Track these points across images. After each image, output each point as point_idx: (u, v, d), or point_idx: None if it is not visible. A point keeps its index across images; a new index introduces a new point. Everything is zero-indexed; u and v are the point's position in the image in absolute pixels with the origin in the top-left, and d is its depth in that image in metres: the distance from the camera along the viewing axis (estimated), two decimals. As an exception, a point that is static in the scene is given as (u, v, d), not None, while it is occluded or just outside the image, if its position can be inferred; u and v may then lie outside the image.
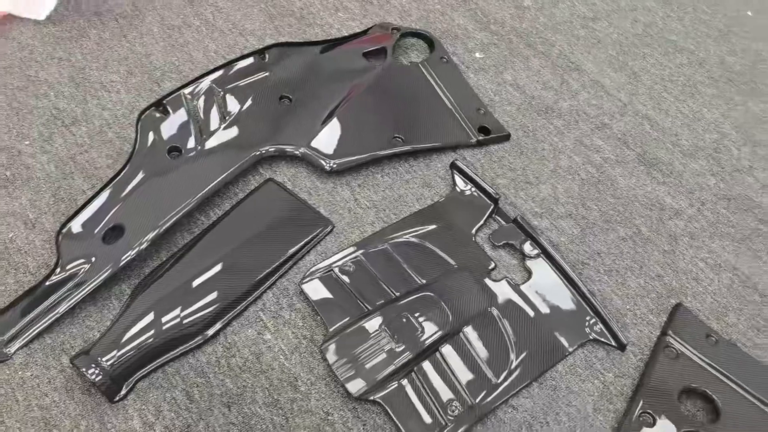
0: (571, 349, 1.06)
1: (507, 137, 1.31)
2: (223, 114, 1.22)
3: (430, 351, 1.02)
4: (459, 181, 1.23)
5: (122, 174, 1.12)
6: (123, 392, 0.97)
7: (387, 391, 0.99)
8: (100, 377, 0.95)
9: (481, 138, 1.29)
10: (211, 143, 1.20)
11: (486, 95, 1.38)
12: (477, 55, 1.45)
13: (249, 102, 1.25)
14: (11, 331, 1.00)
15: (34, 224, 1.12)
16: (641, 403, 0.99)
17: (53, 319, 1.01)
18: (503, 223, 1.19)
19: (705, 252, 1.19)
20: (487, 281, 1.11)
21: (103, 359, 0.96)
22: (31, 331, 1.01)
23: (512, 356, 1.04)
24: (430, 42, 1.43)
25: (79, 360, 0.95)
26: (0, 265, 1.07)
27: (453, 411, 0.97)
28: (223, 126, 1.22)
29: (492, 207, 1.19)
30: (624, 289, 1.13)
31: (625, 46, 1.51)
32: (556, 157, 1.30)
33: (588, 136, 1.34)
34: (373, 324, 1.03)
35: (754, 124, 1.39)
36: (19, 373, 0.98)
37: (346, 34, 1.41)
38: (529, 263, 1.14)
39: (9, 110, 1.24)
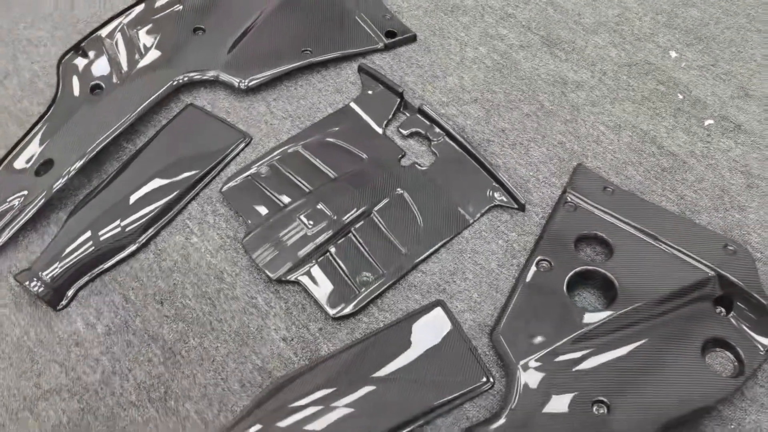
0: (475, 217, 1.13)
1: (413, 38, 1.37)
2: (140, 49, 1.30)
3: (344, 233, 1.10)
4: (367, 82, 1.29)
5: (48, 114, 1.21)
6: (65, 301, 1.07)
7: (304, 271, 1.07)
8: (42, 289, 1.05)
9: (387, 42, 1.35)
10: (130, 78, 1.28)
11: (394, 2, 1.43)
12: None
13: (163, 35, 1.32)
14: (-39, 261, 1.10)
15: (-23, 170, 1.21)
16: (539, 252, 1.06)
17: (-2, 243, 1.11)
18: (409, 115, 1.25)
19: (606, 116, 1.24)
20: (396, 168, 1.18)
21: (44, 273, 1.06)
22: (-21, 259, 1.11)
23: (420, 229, 1.11)
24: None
25: (21, 276, 1.05)
26: (-51, 209, 1.17)
27: (365, 280, 1.06)
28: (140, 60, 1.30)
29: (398, 101, 1.25)
30: (527, 158, 1.20)
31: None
32: (462, 50, 1.36)
33: (493, 26, 1.39)
34: (289, 215, 1.12)
35: (655, -6, 1.43)
36: (-28, 296, 1.08)
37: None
38: (434, 147, 1.21)
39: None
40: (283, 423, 0.92)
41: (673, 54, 1.32)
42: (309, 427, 0.92)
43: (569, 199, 1.12)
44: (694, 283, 1.00)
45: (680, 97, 1.26)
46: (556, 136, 1.22)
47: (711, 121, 1.22)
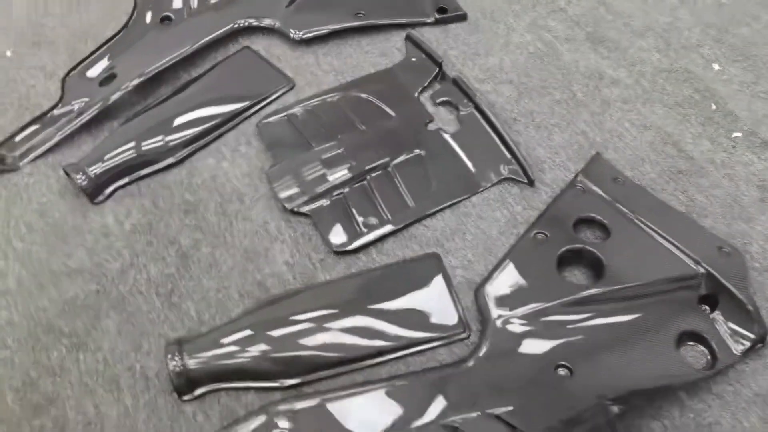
0: (486, 186, 1.18)
1: (464, 17, 1.44)
2: (210, -10, 1.42)
3: (359, 179, 1.18)
4: (411, 50, 1.37)
5: (120, 35, 1.35)
6: (102, 197, 1.19)
7: (316, 206, 1.15)
8: (85, 182, 1.17)
9: (438, 17, 1.42)
10: (197, 14, 1.40)
11: (452, -17, 1.50)
12: (451, -49, 1.57)
13: (234, -18, 1.44)
14: (22, 148, 1.24)
15: (51, 75, 1.36)
16: (539, 225, 1.11)
17: (55, 141, 1.24)
18: (443, 86, 1.32)
19: (634, 114, 1.27)
20: (422, 130, 1.25)
21: (90, 169, 1.18)
22: (38, 149, 1.25)
23: (431, 188, 1.17)
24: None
25: (70, 167, 1.18)
26: (21, 104, 1.32)
27: (370, 223, 1.13)
28: (209, 1, 1.41)
29: (437, 71, 1.32)
30: (548, 142, 1.24)
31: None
32: (509, 35, 1.41)
33: (543, 18, 1.44)
34: (313, 155, 1.20)
35: (710, 8, 1.44)
36: (25, 179, 1.22)
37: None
38: (461, 117, 1.27)
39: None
40: (272, 332, 1.00)
41: (716, 66, 1.33)
42: (296, 339, 1.00)
43: (579, 183, 1.16)
44: (682, 276, 1.02)
45: (713, 107, 1.27)
46: (581, 125, 1.26)
47: (739, 134, 1.23)
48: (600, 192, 1.14)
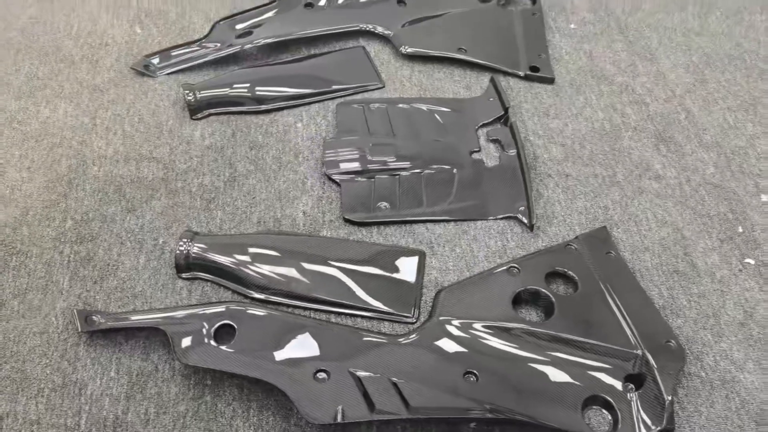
0: (495, 216, 1.31)
1: (551, 80, 1.58)
2: (351, -7, 1.70)
3: (392, 171, 1.37)
4: (490, 91, 1.54)
5: (267, 6, 1.66)
6: (200, 115, 1.48)
7: (348, 179, 1.36)
8: (192, 99, 1.47)
9: (528, 73, 1.58)
10: (334, 9, 1.68)
11: (558, 52, 1.65)
12: (572, 26, 1.73)
13: (374, -5, 1.71)
14: (166, 62, 1.58)
15: (209, 19, 1.70)
16: (518, 261, 1.22)
17: (189, 65, 1.57)
18: (501, 127, 1.47)
19: (660, 209, 1.34)
20: (465, 155, 1.42)
21: (200, 93, 1.48)
22: (175, 67, 1.58)
23: (449, 199, 1.33)
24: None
25: (185, 85, 1.49)
26: (180, 32, 1.67)
27: (381, 207, 1.31)
28: (348, 1, 1.69)
29: (502, 114, 1.48)
30: (569, 204, 1.35)
31: (712, 58, 1.66)
32: (584, 108, 1.53)
33: (623, 104, 1.54)
34: (364, 139, 1.42)
35: (789, 147, 1.46)
36: (156, 85, 1.56)
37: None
38: (503, 157, 1.41)
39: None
40: (262, 252, 1.21)
41: (764, 198, 1.36)
42: (276, 266, 1.20)
43: (574, 243, 1.25)
44: (619, 349, 1.09)
45: (740, 230, 1.30)
46: (607, 201, 1.35)
47: (751, 261, 1.26)
48: (588, 256, 1.23)
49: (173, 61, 1.59)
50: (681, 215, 1.33)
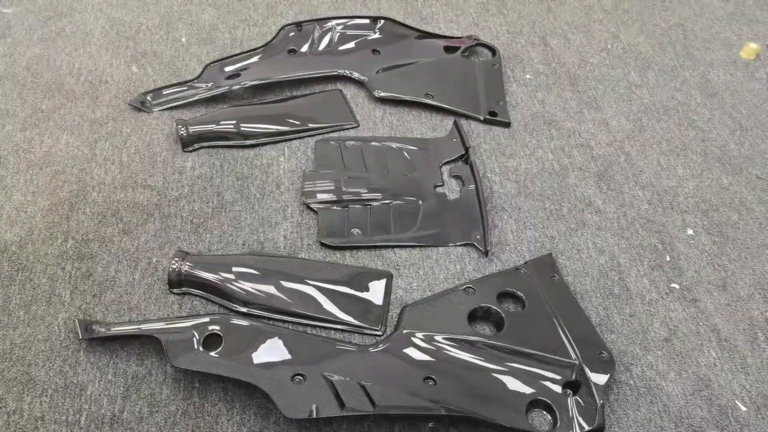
0: (454, 243, 1.48)
1: (507, 124, 1.78)
2: (331, 41, 1.88)
3: (365, 201, 1.54)
4: (453, 132, 1.72)
5: (255, 51, 1.84)
6: (191, 149, 1.64)
7: (324, 207, 1.52)
8: (185, 134, 1.63)
9: (487, 117, 1.78)
10: (316, 56, 1.86)
11: (515, 99, 1.85)
12: (527, 76, 1.94)
13: (351, 44, 1.90)
14: (160, 99, 1.74)
15: (201, 62, 1.87)
16: (473, 282, 1.39)
17: (181, 102, 1.73)
18: (462, 164, 1.66)
19: (600, 240, 1.52)
20: (429, 189, 1.59)
21: (192, 127, 1.64)
22: (169, 104, 1.74)
23: (414, 227, 1.50)
24: (493, 52, 1.95)
25: (179, 121, 1.65)
26: (173, 72, 1.83)
27: (354, 233, 1.47)
28: (327, 49, 1.88)
29: (463, 153, 1.66)
30: (520, 234, 1.53)
31: (650, 108, 1.87)
32: (536, 149, 1.73)
33: (570, 146, 1.74)
34: (340, 173, 1.58)
35: (712, 188, 1.66)
36: (150, 120, 1.71)
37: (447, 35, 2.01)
38: (463, 191, 1.59)
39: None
40: (246, 271, 1.36)
41: (690, 231, 1.55)
42: (258, 283, 1.34)
43: (523, 267, 1.43)
44: (560, 359, 1.26)
45: (668, 258, 1.49)
46: (553, 232, 1.53)
47: (676, 286, 1.44)
48: (535, 278, 1.40)
49: (167, 98, 1.75)
50: (617, 245, 1.52)
